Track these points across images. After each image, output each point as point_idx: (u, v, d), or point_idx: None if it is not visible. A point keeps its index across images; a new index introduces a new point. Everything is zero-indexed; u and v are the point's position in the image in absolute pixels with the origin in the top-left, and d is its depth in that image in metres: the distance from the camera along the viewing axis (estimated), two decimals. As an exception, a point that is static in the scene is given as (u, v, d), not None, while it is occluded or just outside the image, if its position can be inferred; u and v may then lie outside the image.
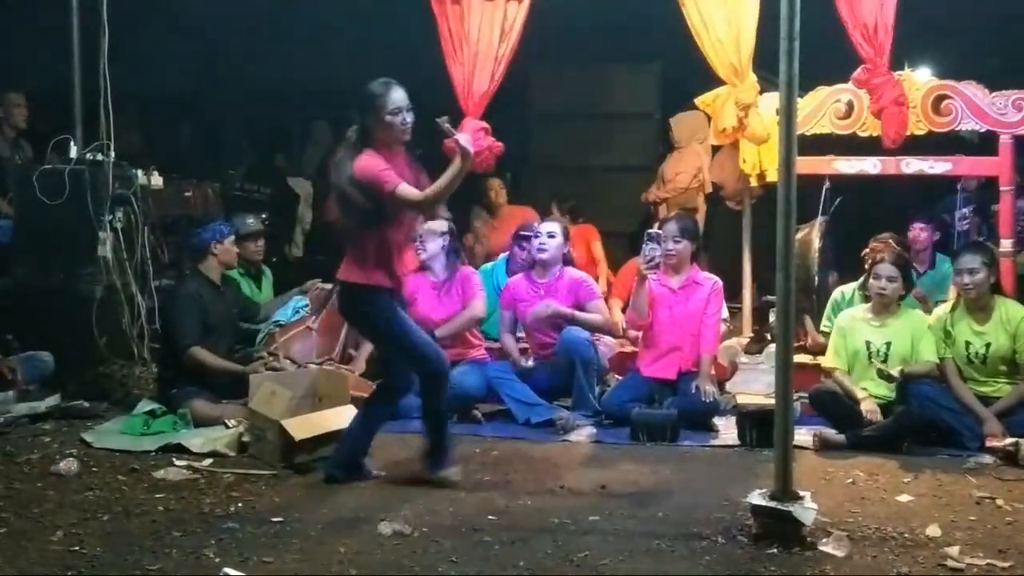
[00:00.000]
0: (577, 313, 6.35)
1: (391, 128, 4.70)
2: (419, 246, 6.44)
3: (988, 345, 5.67)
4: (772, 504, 4.06)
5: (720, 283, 6.41)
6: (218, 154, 10.16)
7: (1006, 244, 6.63)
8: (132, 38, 7.23)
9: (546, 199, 9.27)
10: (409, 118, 4.73)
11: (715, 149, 8.35)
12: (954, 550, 3.98)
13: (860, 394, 5.66)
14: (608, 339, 6.83)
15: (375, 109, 4.69)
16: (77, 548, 4.01)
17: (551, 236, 6.55)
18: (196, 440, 5.45)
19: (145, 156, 7.33)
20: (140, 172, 6.77)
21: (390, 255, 4.78)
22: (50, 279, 6.53)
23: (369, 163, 4.65)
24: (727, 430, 5.86)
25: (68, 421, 5.98)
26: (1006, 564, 3.87)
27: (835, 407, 5.72)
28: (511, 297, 6.62)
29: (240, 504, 4.58)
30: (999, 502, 4.61)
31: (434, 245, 6.45)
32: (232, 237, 6.40)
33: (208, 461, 5.22)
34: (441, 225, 6.45)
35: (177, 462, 5.18)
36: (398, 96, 4.71)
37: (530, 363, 6.37)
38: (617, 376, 6.69)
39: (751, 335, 7.36)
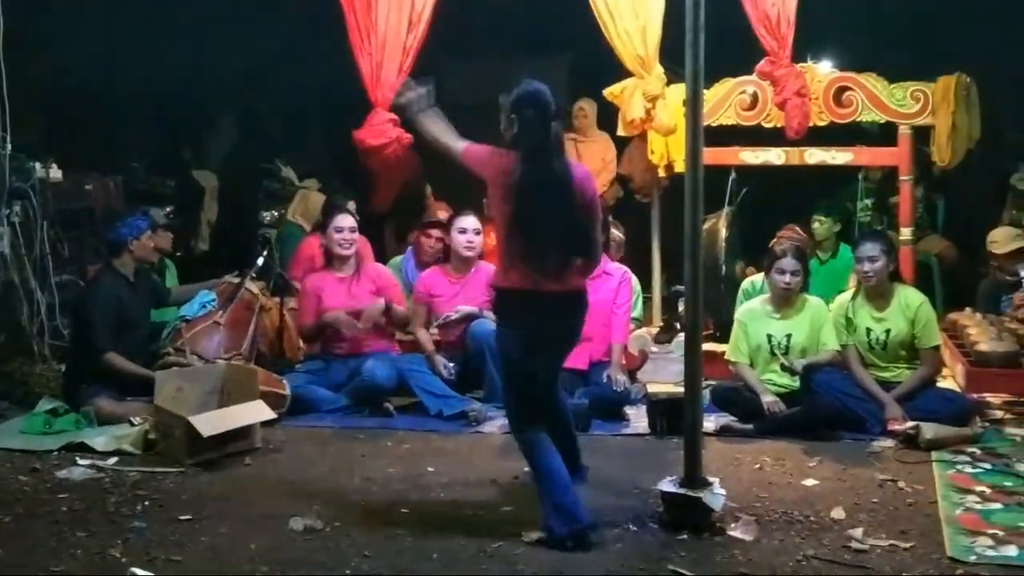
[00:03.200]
0: (487, 312, 6.35)
1: None
2: (343, 242, 6.36)
3: (888, 331, 5.79)
4: (682, 491, 4.12)
5: (630, 273, 6.46)
6: (121, 146, 9.92)
7: (906, 232, 6.80)
8: (31, 26, 7.03)
9: (459, 190, 9.14)
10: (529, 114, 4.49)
11: (624, 141, 8.39)
12: (858, 532, 4.08)
13: (760, 388, 5.73)
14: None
15: None
16: (-24, 551, 3.91)
17: (478, 233, 6.51)
18: (100, 439, 5.34)
19: (44, 148, 7.14)
20: (38, 165, 6.59)
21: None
22: (-54, 276, 6.34)
23: None
24: (637, 419, 5.90)
25: (-34, 421, 5.83)
26: (908, 544, 3.97)
27: (738, 403, 5.75)
28: (426, 292, 6.55)
29: (147, 503, 4.51)
30: (900, 484, 4.72)
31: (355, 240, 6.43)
32: (149, 232, 6.26)
33: (113, 460, 5.12)
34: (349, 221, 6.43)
35: (81, 461, 5.08)
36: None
37: (451, 374, 6.26)
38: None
39: (661, 324, 7.43)
